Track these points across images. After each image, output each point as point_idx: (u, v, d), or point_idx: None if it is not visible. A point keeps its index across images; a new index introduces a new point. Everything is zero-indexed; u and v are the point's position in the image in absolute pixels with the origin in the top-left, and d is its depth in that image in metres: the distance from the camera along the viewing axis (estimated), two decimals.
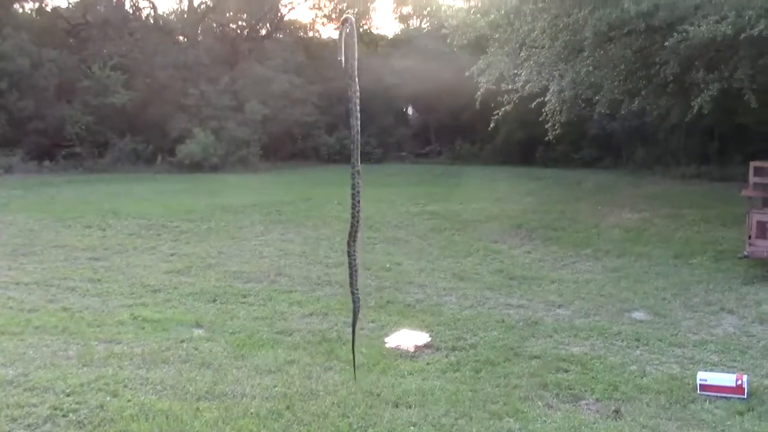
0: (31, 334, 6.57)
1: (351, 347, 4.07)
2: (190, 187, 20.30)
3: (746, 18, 10.48)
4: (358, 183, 3.37)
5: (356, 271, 3.48)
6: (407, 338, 6.52)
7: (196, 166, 25.51)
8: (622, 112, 18.50)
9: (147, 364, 5.82)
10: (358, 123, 3.27)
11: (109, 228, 12.79)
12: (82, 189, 19.66)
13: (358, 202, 3.41)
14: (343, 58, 3.16)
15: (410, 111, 36.73)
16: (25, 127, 25.69)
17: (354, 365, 4.45)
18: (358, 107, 3.24)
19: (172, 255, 10.60)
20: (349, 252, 3.49)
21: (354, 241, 3.46)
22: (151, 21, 33.13)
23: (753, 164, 10.40)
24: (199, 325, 6.97)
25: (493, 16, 14.76)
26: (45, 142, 26.31)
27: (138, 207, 15.29)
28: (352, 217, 3.44)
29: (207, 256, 10.52)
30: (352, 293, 3.54)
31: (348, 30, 3.13)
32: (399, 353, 6.20)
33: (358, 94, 3.22)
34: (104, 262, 10.08)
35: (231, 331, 6.77)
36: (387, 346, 6.38)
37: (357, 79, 3.23)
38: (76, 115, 26.46)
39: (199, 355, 6.05)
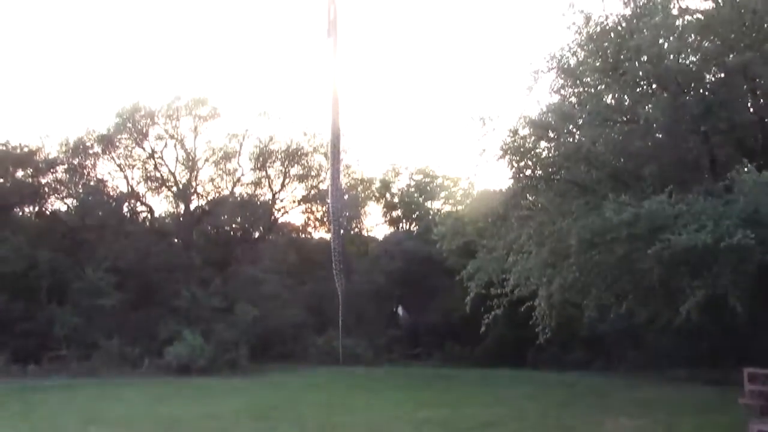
0: None
1: None
2: (177, 392, 19.82)
3: (724, 227, 10.91)
4: None
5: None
6: None
7: (183, 369, 24.99)
8: (611, 315, 18.63)
9: None
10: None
11: None
12: (65, 394, 19.11)
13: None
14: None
15: (400, 312, 36.86)
16: (12, 329, 25.25)
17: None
18: None
19: None
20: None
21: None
22: (147, 224, 33.98)
23: (747, 371, 10.38)
24: None
25: (480, 223, 15.35)
26: (32, 344, 25.71)
27: (121, 415, 14.80)
28: None
29: None
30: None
31: None
32: None
33: None
34: None
35: None
36: None
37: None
38: (66, 316, 26.29)
39: None
